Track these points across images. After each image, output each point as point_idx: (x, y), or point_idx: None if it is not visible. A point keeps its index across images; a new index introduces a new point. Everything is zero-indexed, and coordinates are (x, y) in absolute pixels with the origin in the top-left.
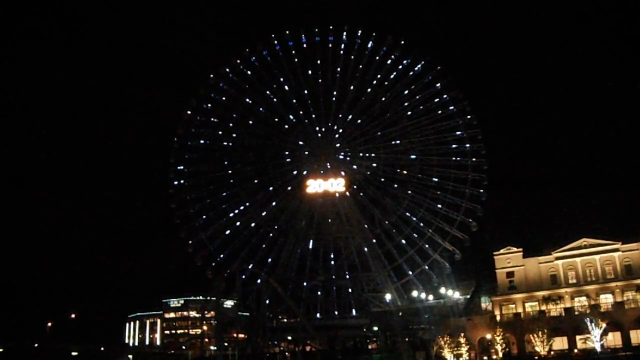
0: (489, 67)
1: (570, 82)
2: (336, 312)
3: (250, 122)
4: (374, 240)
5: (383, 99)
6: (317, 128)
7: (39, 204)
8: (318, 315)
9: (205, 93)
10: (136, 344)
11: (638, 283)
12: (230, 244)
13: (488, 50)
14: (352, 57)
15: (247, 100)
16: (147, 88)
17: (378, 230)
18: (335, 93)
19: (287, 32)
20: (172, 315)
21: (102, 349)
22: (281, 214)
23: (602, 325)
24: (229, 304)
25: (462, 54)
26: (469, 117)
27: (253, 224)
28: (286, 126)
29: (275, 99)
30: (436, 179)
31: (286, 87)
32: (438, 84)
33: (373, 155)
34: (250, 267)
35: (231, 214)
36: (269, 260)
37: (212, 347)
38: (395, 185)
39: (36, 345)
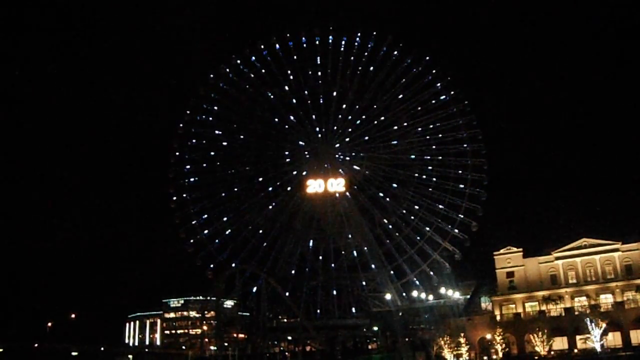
0: (489, 67)
1: (571, 82)
2: (336, 312)
3: (250, 122)
4: (374, 240)
5: (383, 99)
6: (317, 128)
7: (39, 203)
8: (318, 315)
9: (205, 93)
10: (136, 344)
11: (638, 283)
12: (230, 244)
13: (488, 50)
14: (352, 57)
15: (247, 100)
16: (147, 88)
17: (378, 230)
18: (335, 93)
19: (287, 32)
20: (172, 315)
21: (102, 349)
22: (281, 214)
23: (602, 325)
24: (229, 304)
25: (462, 54)
26: (469, 117)
27: (253, 224)
28: (286, 126)
29: (275, 99)
30: (436, 179)
31: (286, 87)
32: (438, 84)
33: (373, 155)
34: (250, 267)
35: (231, 214)
36: (269, 260)
37: (212, 347)
38: (395, 185)
39: (36, 345)
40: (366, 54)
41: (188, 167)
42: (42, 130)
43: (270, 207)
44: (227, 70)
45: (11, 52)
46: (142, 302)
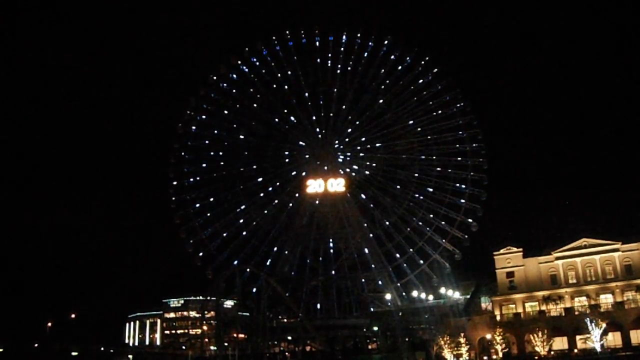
0: (489, 67)
1: (571, 82)
2: (336, 312)
3: (250, 122)
4: (374, 240)
5: (383, 99)
6: (317, 128)
7: (39, 204)
8: (318, 315)
9: (205, 93)
10: (136, 344)
11: (638, 283)
12: (230, 244)
13: (488, 50)
14: (352, 57)
15: (247, 100)
16: (147, 88)
17: (378, 230)
18: (335, 93)
19: (287, 32)
20: (172, 315)
21: (102, 349)
22: (281, 214)
23: (602, 325)
24: (229, 304)
25: (462, 54)
26: (469, 117)
27: (253, 224)
28: (286, 126)
29: (275, 99)
30: (436, 179)
31: (286, 87)
32: (438, 84)
33: (373, 155)
34: (250, 267)
35: (231, 214)
36: (269, 260)
37: (212, 347)
38: (396, 186)
39: (36, 345)
40: (366, 54)
41: (188, 167)
42: (42, 130)
43: (271, 207)
44: (227, 70)
45: (16, 50)
46: (142, 302)
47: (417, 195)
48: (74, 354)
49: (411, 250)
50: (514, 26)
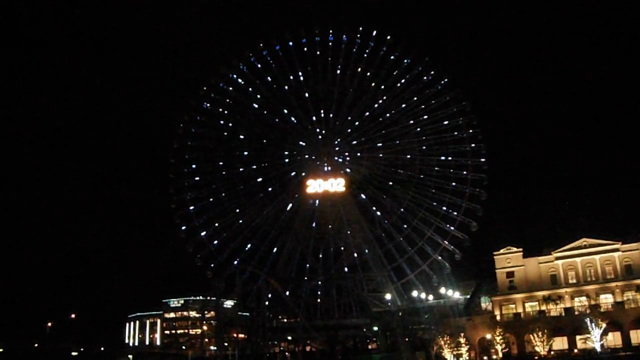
0: (489, 67)
1: (571, 82)
2: (336, 312)
3: (250, 122)
4: (374, 240)
5: (383, 99)
6: (317, 128)
7: (39, 203)
8: (318, 315)
9: (205, 93)
10: (136, 344)
11: (638, 283)
12: (230, 244)
13: (488, 50)
14: (352, 57)
15: (247, 100)
16: (147, 88)
17: (378, 230)
18: (335, 93)
19: (287, 32)
20: (172, 315)
21: (102, 349)
22: (281, 214)
23: (602, 325)
24: (229, 304)
25: (463, 54)
26: (469, 117)
27: (253, 224)
28: (286, 126)
29: (275, 99)
30: (436, 179)
31: (286, 87)
32: (438, 84)
33: (373, 155)
34: (250, 267)
35: (231, 214)
36: (269, 260)
37: (212, 347)
38: (396, 186)
39: (36, 345)
40: (366, 54)
41: (188, 167)
42: (42, 130)
43: (271, 207)
44: (227, 70)
45: (16, 49)
46: (142, 302)
47: (417, 195)
48: (74, 354)
49: (411, 250)
50: (514, 26)
